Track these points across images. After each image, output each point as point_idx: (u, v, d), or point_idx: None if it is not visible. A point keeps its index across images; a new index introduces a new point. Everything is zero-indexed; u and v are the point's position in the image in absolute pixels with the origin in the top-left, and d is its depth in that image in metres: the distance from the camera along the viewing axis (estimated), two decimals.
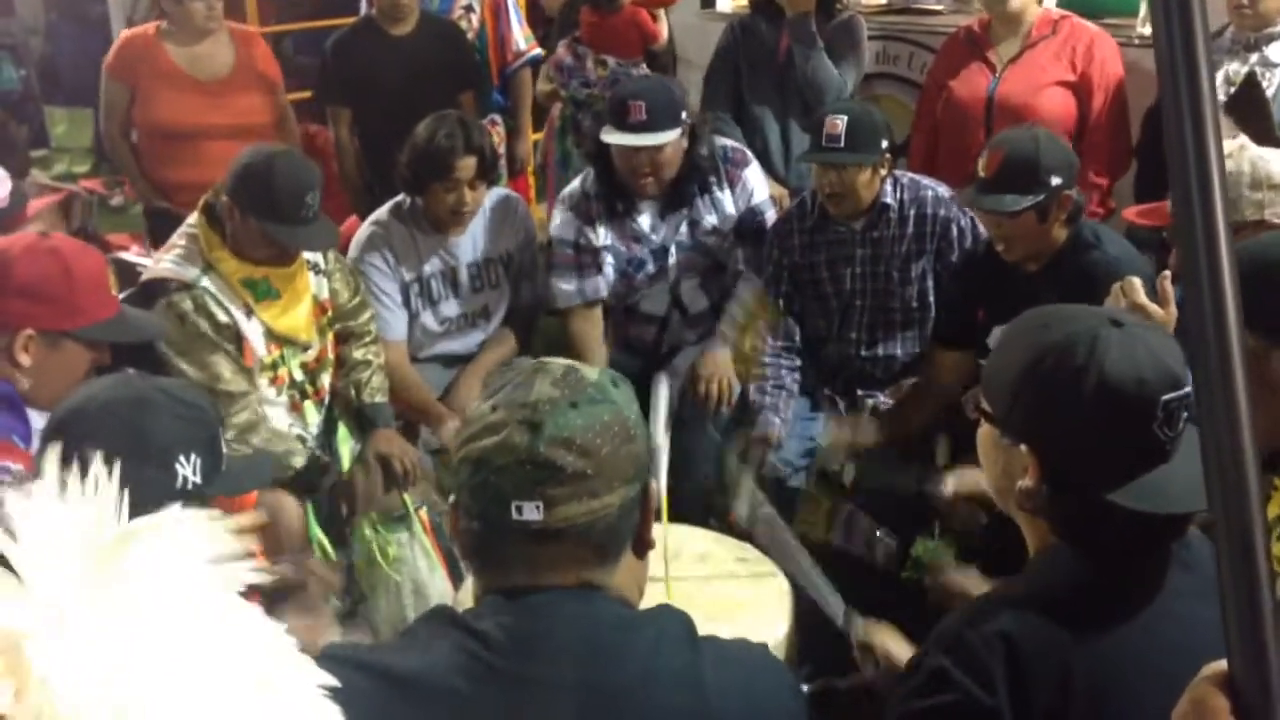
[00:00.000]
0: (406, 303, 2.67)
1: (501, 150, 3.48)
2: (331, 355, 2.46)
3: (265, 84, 3.31)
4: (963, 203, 2.40)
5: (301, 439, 2.36)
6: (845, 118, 2.40)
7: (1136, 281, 1.57)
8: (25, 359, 1.67)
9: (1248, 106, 2.41)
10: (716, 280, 2.80)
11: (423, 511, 2.48)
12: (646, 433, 1.07)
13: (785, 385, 2.61)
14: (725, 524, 2.68)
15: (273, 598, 1.44)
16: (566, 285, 2.71)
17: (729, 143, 2.80)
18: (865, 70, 3.22)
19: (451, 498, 1.06)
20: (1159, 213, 2.09)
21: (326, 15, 4.60)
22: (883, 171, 2.49)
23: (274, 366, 2.33)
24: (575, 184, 2.78)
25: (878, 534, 2.27)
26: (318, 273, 2.42)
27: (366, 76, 3.32)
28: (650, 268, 2.75)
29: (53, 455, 0.53)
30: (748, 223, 2.73)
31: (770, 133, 3.13)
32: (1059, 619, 1.06)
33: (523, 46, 3.74)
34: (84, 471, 0.53)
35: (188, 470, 1.33)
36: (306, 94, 4.12)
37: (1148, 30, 3.05)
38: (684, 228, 2.72)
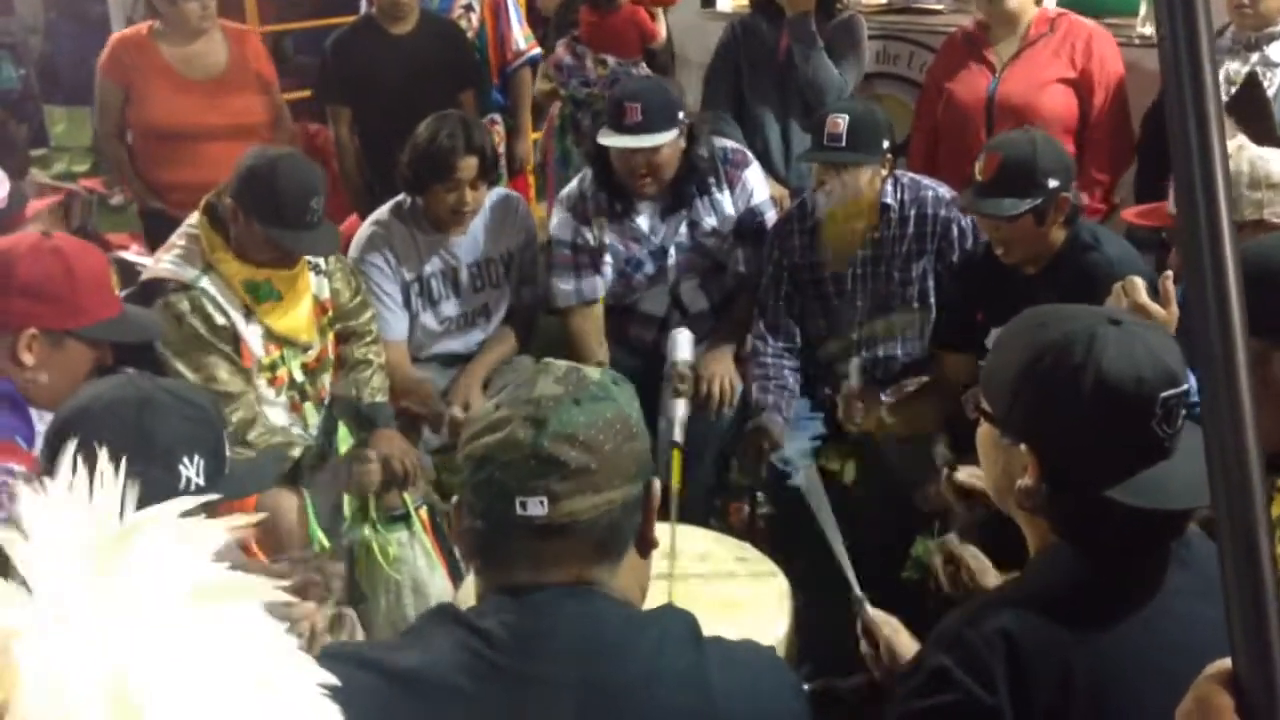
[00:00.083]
0: (407, 302, 2.67)
1: (501, 150, 3.48)
2: (332, 355, 2.46)
3: (260, 83, 3.30)
4: (961, 206, 2.40)
5: (301, 438, 2.36)
6: (847, 117, 2.40)
7: (1138, 281, 1.57)
8: (28, 358, 1.67)
9: (1249, 106, 2.41)
10: (716, 281, 2.80)
11: (423, 511, 2.48)
12: (648, 433, 1.07)
13: (787, 385, 2.61)
14: (725, 524, 2.68)
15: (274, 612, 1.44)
16: (565, 285, 2.72)
17: (729, 144, 2.80)
18: (865, 70, 3.22)
19: (455, 498, 1.06)
20: (1158, 213, 2.09)
21: (326, 14, 4.60)
22: (884, 171, 2.49)
23: (273, 367, 2.33)
24: (573, 184, 2.78)
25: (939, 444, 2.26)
26: (318, 273, 2.41)
27: (366, 75, 3.32)
28: (649, 268, 2.75)
29: (57, 455, 0.53)
30: (747, 223, 2.73)
31: (770, 132, 3.13)
32: (1059, 618, 1.07)
33: (522, 46, 3.74)
34: (88, 472, 0.53)
35: (191, 472, 1.33)
36: (306, 93, 4.12)
37: (1147, 30, 3.05)
38: (683, 229, 2.72)
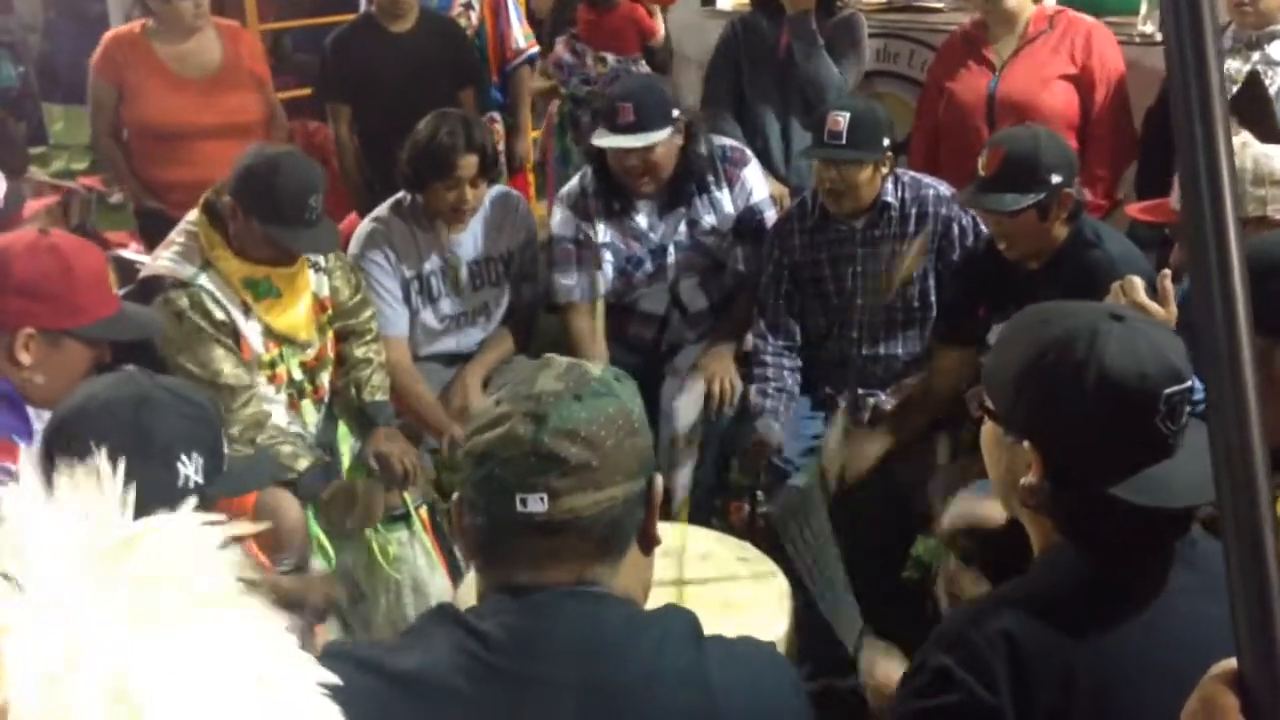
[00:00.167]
0: (407, 299, 2.67)
1: (500, 148, 3.47)
2: (331, 354, 2.46)
3: (254, 80, 3.29)
4: (963, 201, 2.40)
5: (300, 437, 2.35)
6: (848, 114, 2.40)
7: (1137, 280, 1.57)
8: (25, 358, 1.67)
9: (1250, 105, 2.41)
10: (716, 280, 2.79)
11: (423, 510, 2.48)
12: (650, 429, 1.06)
13: (786, 386, 2.60)
14: (726, 524, 2.68)
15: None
16: (567, 280, 2.71)
17: (728, 142, 2.79)
18: (866, 68, 3.22)
19: (455, 495, 1.06)
20: (1162, 209, 2.09)
21: (326, 12, 4.59)
22: (884, 169, 2.48)
23: (272, 365, 2.32)
24: (574, 182, 2.78)
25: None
26: (318, 270, 2.41)
27: (366, 74, 3.31)
28: (649, 266, 2.75)
29: (55, 454, 0.53)
30: (746, 222, 2.73)
31: (771, 131, 3.12)
32: (1062, 618, 1.06)
33: (522, 44, 3.74)
34: (86, 470, 0.52)
35: (189, 469, 1.32)
36: (306, 91, 4.11)
37: (1148, 28, 3.05)
38: (682, 227, 2.72)
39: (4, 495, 0.51)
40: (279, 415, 2.35)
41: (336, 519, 2.28)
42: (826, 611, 1.65)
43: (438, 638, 1.00)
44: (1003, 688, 1.03)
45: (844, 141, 2.40)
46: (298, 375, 2.37)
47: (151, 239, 3.01)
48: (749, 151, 2.83)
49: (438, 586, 2.39)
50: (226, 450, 1.43)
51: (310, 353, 2.39)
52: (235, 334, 2.25)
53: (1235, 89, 2.52)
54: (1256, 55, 2.62)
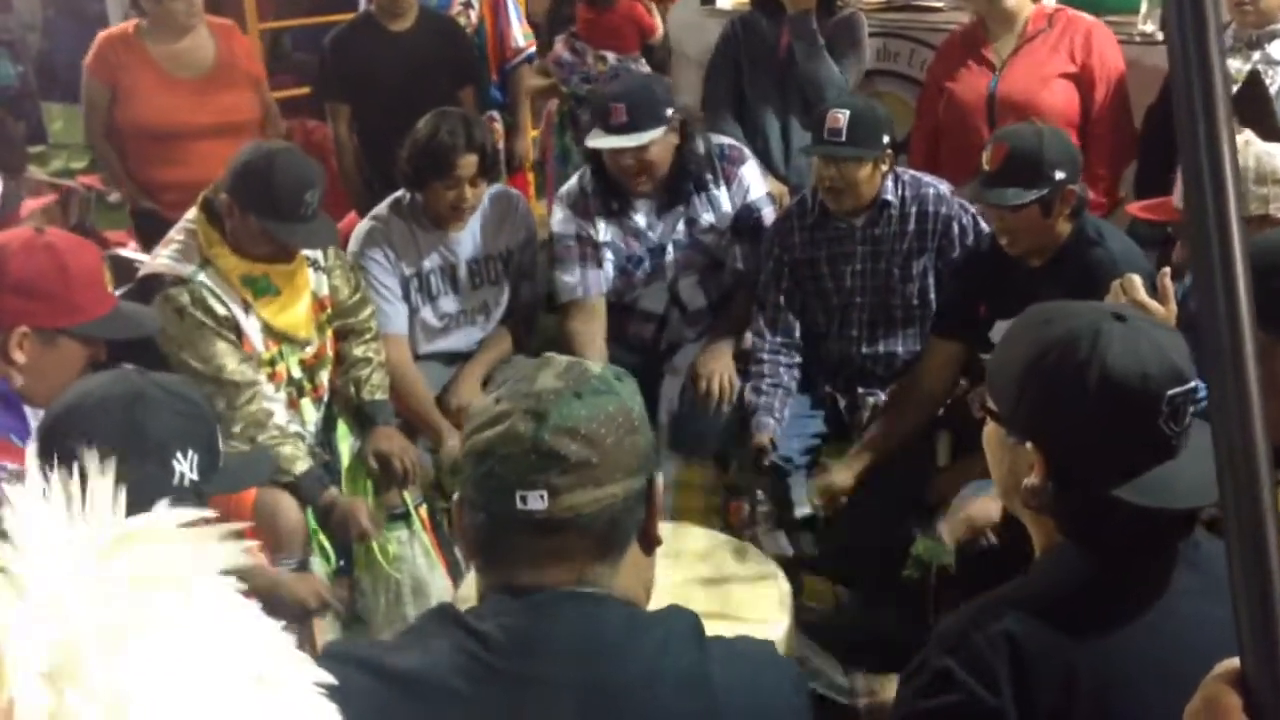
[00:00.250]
0: (406, 298, 2.66)
1: (500, 147, 3.47)
2: (330, 352, 2.46)
3: (248, 79, 3.29)
4: (966, 197, 2.40)
5: (299, 436, 2.35)
6: (847, 112, 2.40)
7: (1136, 279, 1.57)
8: (20, 356, 1.66)
9: (1250, 104, 2.41)
10: (715, 278, 2.79)
11: (422, 509, 2.48)
12: (650, 427, 1.06)
13: (783, 383, 2.60)
14: (726, 524, 2.68)
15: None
16: (569, 277, 2.70)
17: (725, 140, 2.79)
18: (866, 67, 3.22)
19: (456, 496, 1.05)
20: (1164, 208, 2.09)
21: (325, 11, 4.59)
22: (884, 167, 2.48)
23: (272, 363, 2.32)
24: (573, 182, 2.78)
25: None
26: (317, 269, 2.41)
27: (365, 72, 3.31)
28: (648, 265, 2.74)
29: (49, 452, 0.53)
30: (744, 220, 2.72)
31: (771, 130, 3.12)
32: (1064, 619, 1.06)
33: (521, 43, 3.74)
34: (80, 469, 0.52)
35: (185, 467, 1.32)
36: (305, 90, 4.11)
37: (1148, 27, 3.04)
38: (681, 226, 2.71)
39: (4, 494, 0.51)
40: (278, 414, 2.34)
41: (338, 531, 2.27)
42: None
43: (438, 638, 0.99)
44: (1004, 689, 1.03)
45: (844, 139, 2.39)
46: (297, 374, 2.37)
47: (147, 239, 3.01)
48: (747, 150, 2.82)
49: (437, 586, 2.39)
50: (222, 447, 1.42)
51: (309, 351, 2.38)
52: (237, 329, 2.24)
53: (1236, 88, 2.52)
54: (1257, 54, 2.62)
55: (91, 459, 0.53)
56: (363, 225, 2.68)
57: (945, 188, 2.54)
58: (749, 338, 2.71)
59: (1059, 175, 2.12)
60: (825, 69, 2.97)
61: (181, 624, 0.50)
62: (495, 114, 3.62)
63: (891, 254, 2.54)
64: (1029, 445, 1.10)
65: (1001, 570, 1.21)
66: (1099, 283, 1.67)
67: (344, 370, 2.49)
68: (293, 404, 2.38)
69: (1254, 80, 2.55)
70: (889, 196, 2.51)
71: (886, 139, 2.46)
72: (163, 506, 0.54)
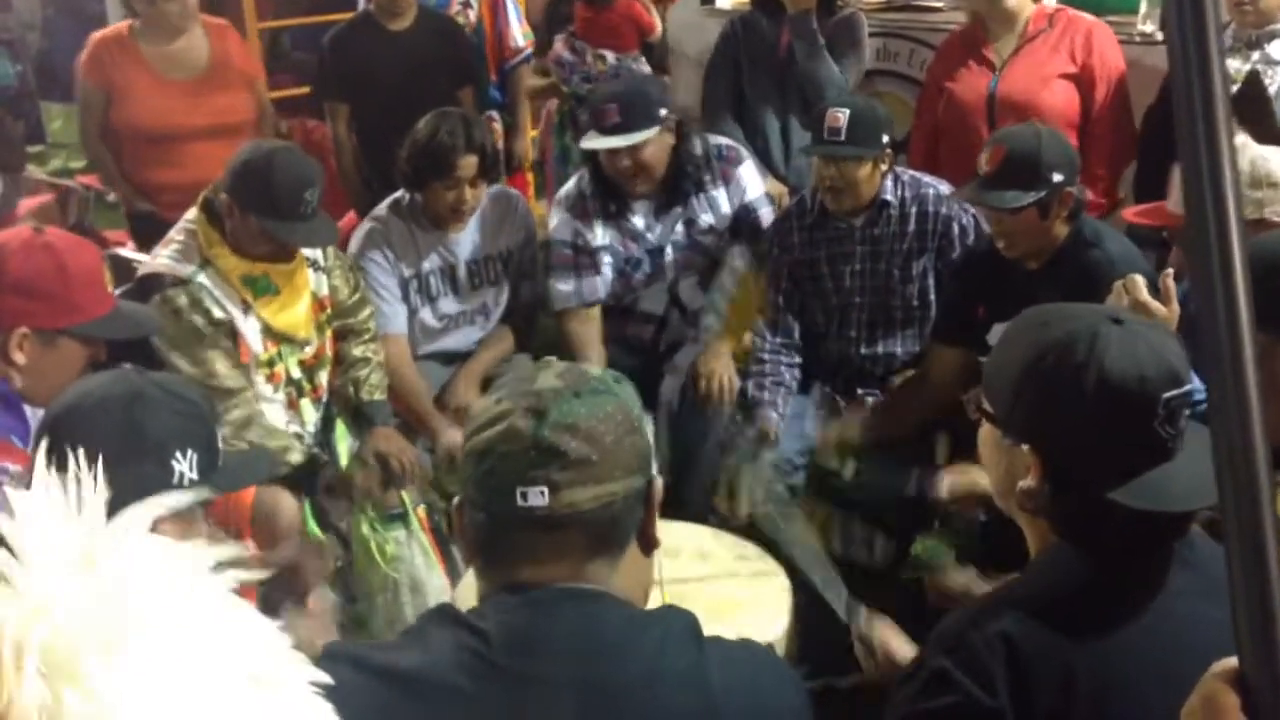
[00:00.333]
0: (405, 298, 2.66)
1: (499, 147, 3.47)
2: (330, 353, 2.45)
3: (243, 79, 3.27)
4: (964, 199, 2.40)
5: (298, 436, 2.35)
6: (847, 111, 2.40)
7: (1139, 279, 1.57)
8: (20, 357, 1.66)
9: (1249, 105, 2.41)
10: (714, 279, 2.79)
11: (420, 509, 2.48)
12: (648, 429, 1.06)
13: (784, 381, 2.60)
14: (725, 522, 2.67)
15: (270, 598, 1.44)
16: (564, 286, 2.71)
17: (723, 140, 2.79)
18: (866, 67, 3.22)
19: (456, 499, 1.06)
20: (1158, 213, 2.09)
21: (324, 10, 4.58)
22: (883, 166, 2.48)
23: (271, 363, 2.32)
24: (571, 185, 2.78)
25: (876, 538, 2.27)
26: (317, 269, 2.41)
27: (364, 72, 3.30)
28: (647, 267, 2.74)
29: (48, 452, 0.53)
30: (742, 220, 2.72)
31: (770, 130, 3.12)
32: (1060, 620, 1.06)
33: (520, 43, 3.73)
34: (79, 468, 0.52)
35: (184, 466, 1.32)
36: (304, 89, 4.10)
37: (1148, 27, 3.05)
38: (679, 227, 2.71)
39: (4, 496, 0.51)
40: (278, 414, 2.34)
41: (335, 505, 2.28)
42: (818, 585, 1.66)
43: (438, 637, 1.00)
44: (1001, 690, 1.03)
45: (843, 138, 2.40)
46: (296, 374, 2.37)
47: (143, 241, 3.00)
48: (744, 150, 2.82)
49: (435, 586, 2.39)
50: (221, 446, 1.42)
51: (309, 351, 2.38)
52: (233, 333, 2.24)
53: (1235, 88, 2.52)
54: (1256, 55, 2.62)
55: (89, 459, 0.53)
56: (362, 226, 2.68)
57: (945, 188, 2.54)
58: (749, 337, 2.71)
59: (1057, 177, 2.12)
60: (825, 69, 2.97)
61: (178, 624, 0.51)
62: (494, 114, 3.62)
63: (891, 254, 2.54)
64: (1025, 447, 1.10)
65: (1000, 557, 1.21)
66: (1097, 285, 1.67)
67: (343, 370, 2.49)
68: (292, 404, 2.38)
69: (1253, 80, 2.55)
70: (888, 196, 2.51)
71: (886, 139, 2.46)
72: (161, 506, 0.54)
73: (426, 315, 2.71)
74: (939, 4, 3.53)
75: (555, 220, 2.76)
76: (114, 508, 0.53)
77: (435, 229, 2.64)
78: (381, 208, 2.69)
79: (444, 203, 2.55)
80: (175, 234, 2.28)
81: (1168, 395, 1.05)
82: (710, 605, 1.72)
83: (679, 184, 2.66)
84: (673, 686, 0.98)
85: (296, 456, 2.25)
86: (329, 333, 2.44)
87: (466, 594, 1.32)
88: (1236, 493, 0.64)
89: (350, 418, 2.51)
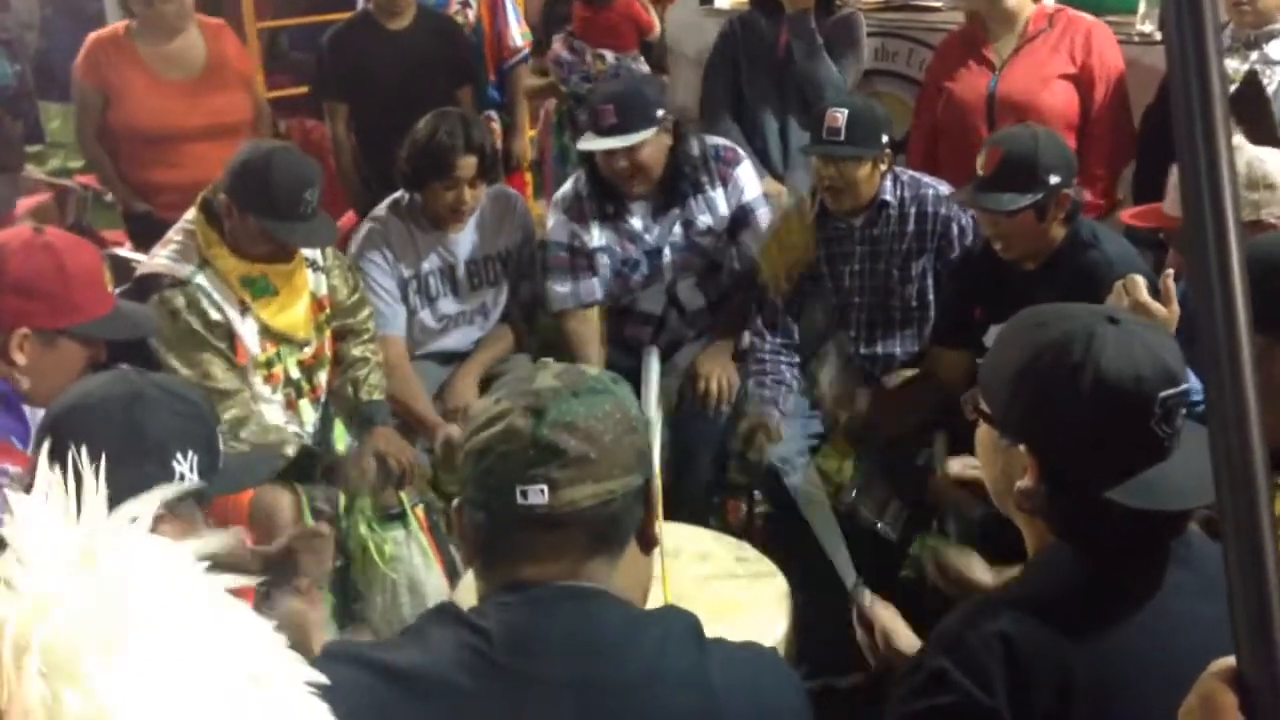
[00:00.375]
0: (404, 299, 2.66)
1: (498, 146, 3.47)
2: (329, 353, 2.45)
3: (240, 79, 3.27)
4: (961, 201, 2.40)
5: (297, 435, 2.35)
6: (846, 111, 2.40)
7: (1139, 280, 1.57)
8: (20, 358, 1.66)
9: (1248, 105, 2.41)
10: (713, 280, 2.79)
11: (419, 509, 2.48)
12: (648, 429, 1.07)
13: (785, 380, 2.60)
14: (723, 522, 2.68)
15: (267, 587, 1.43)
16: (561, 288, 2.71)
17: (720, 141, 2.79)
18: (864, 67, 3.22)
19: (456, 500, 1.06)
20: (1154, 214, 2.09)
21: (323, 10, 4.58)
22: (883, 166, 2.48)
23: (269, 364, 2.32)
24: (568, 186, 2.78)
25: (892, 502, 2.26)
26: (316, 269, 2.41)
27: (363, 71, 3.30)
28: (645, 268, 2.74)
29: (49, 452, 0.53)
30: (740, 220, 2.72)
31: (769, 130, 3.12)
32: (1058, 619, 1.06)
33: (519, 43, 3.73)
34: (79, 469, 0.52)
35: (184, 467, 1.32)
36: (303, 89, 4.10)
37: (1146, 27, 3.05)
38: (677, 228, 2.71)
39: (4, 498, 0.52)
40: (276, 415, 2.34)
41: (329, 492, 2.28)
42: (826, 549, 1.65)
43: (439, 635, 1.00)
44: (999, 689, 1.03)
45: (843, 138, 2.40)
46: (295, 374, 2.37)
47: (140, 242, 3.00)
48: (742, 150, 2.82)
49: (434, 586, 2.39)
50: (222, 448, 1.42)
51: (308, 352, 2.38)
52: (230, 335, 2.24)
53: (1233, 88, 2.52)
54: (1255, 54, 2.62)
55: (89, 460, 0.53)
56: (361, 226, 2.68)
57: (945, 188, 2.54)
58: (748, 338, 2.71)
59: (1054, 179, 2.12)
60: (824, 68, 2.97)
61: (178, 623, 0.51)
62: (493, 114, 3.62)
63: (890, 254, 2.54)
64: (1022, 448, 1.10)
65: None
66: (1095, 285, 1.67)
67: (342, 371, 2.49)
68: (291, 405, 2.38)
69: (1252, 80, 2.55)
70: (888, 197, 2.51)
71: (885, 138, 2.46)
72: (159, 503, 0.54)
73: (425, 316, 2.71)
74: (937, 4, 3.53)
75: (551, 223, 2.76)
76: (114, 508, 0.53)
77: (434, 229, 2.64)
78: (380, 208, 2.69)
79: (443, 203, 2.55)
80: (174, 234, 2.28)
81: (1164, 394, 1.05)
82: (710, 606, 1.72)
83: (676, 185, 2.66)
84: (673, 686, 0.98)
85: (292, 449, 2.25)
86: (328, 333, 2.44)
87: (465, 595, 1.32)
88: (1234, 493, 0.64)
89: (349, 418, 2.51)
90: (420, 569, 2.40)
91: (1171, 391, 1.06)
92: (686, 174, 2.65)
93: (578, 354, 2.64)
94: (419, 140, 2.51)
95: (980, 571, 1.54)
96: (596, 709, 0.97)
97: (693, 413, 2.64)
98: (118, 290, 2.17)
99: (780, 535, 2.53)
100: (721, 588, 1.88)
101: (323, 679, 0.55)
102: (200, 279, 2.21)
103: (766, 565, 1.93)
